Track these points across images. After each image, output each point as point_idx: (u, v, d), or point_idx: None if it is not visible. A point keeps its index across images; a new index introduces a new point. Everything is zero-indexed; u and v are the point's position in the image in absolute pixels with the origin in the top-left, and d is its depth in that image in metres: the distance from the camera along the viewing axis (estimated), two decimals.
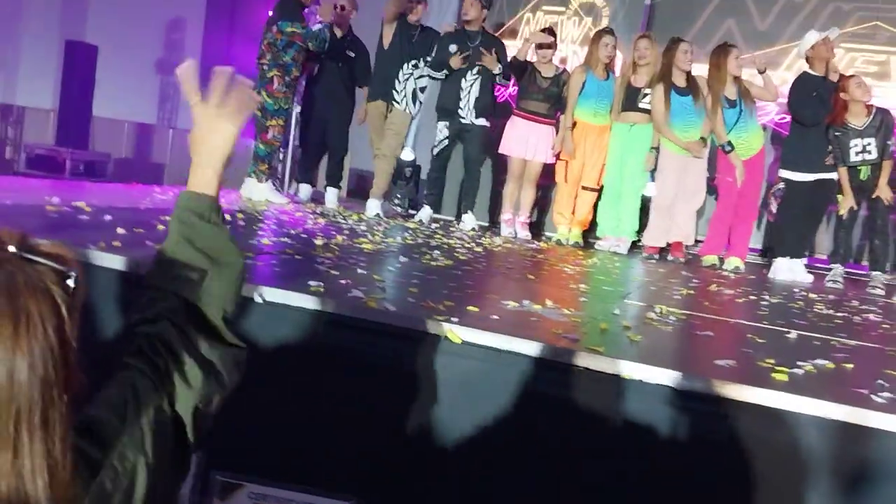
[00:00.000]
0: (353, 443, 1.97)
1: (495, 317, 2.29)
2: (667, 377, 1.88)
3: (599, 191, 5.79)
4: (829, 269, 5.37)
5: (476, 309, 2.36)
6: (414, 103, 6.03)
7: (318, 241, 3.57)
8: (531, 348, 1.99)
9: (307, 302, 2.17)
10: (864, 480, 1.76)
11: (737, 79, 5.46)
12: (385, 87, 5.94)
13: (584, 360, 1.96)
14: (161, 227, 3.22)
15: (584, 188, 5.80)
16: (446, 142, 5.93)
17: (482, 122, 5.89)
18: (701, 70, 5.74)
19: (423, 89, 6.09)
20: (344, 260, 3.07)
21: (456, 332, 2.05)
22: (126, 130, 9.98)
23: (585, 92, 5.66)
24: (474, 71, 5.81)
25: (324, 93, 6.24)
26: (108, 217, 3.26)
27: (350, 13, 6.21)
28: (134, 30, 10.42)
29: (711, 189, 5.86)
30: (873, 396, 1.91)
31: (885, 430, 1.74)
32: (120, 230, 2.91)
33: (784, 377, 1.98)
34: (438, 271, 3.22)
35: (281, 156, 8.19)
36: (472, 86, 5.82)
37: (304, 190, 6.40)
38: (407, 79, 5.94)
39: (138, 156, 9.97)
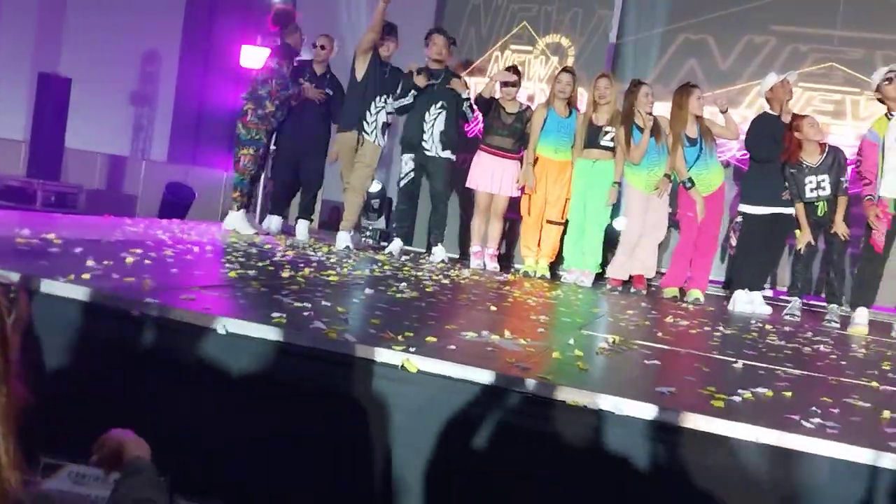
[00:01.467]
0: (313, 471, 2.04)
1: (452, 347, 2.39)
2: (606, 403, 1.98)
3: (564, 224, 5.94)
4: (789, 302, 5.55)
5: (434, 339, 2.46)
6: (383, 136, 6.15)
7: (285, 273, 3.66)
8: (483, 376, 2.09)
9: (268, 333, 2.25)
10: (793, 501, 1.87)
11: (698, 118, 5.67)
12: (356, 118, 6.06)
13: (532, 388, 2.06)
14: (130, 259, 3.29)
15: (548, 222, 5.95)
16: (412, 174, 6.06)
17: (447, 154, 6.02)
18: (664, 109, 5.95)
19: (388, 125, 6.22)
20: (309, 292, 3.16)
21: (413, 362, 2.14)
22: (98, 162, 10.00)
23: (546, 128, 5.84)
24: (438, 105, 5.96)
25: (299, 127, 6.35)
26: (78, 249, 3.32)
27: (329, 52, 6.38)
28: (108, 62, 10.49)
29: (674, 223, 6.04)
30: (803, 422, 2.02)
31: (812, 453, 1.85)
32: (89, 262, 2.98)
33: (720, 404, 2.09)
34: (402, 303, 3.32)
35: (260, 188, 8.30)
36: (435, 119, 5.96)
37: (275, 222, 6.49)
38: (378, 112, 6.07)
39: (110, 187, 9.98)
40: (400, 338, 2.38)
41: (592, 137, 5.79)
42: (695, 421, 1.92)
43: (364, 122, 6.05)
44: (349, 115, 6.12)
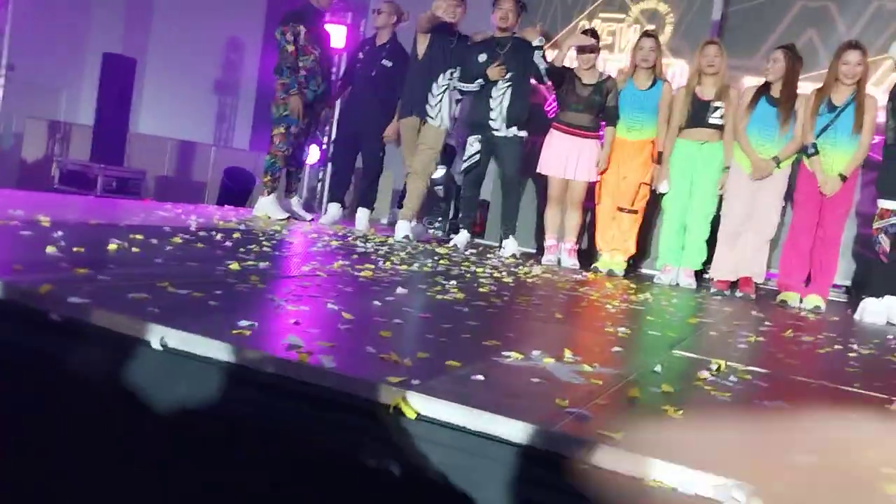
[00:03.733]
0: None
1: (479, 377, 1.67)
2: (710, 486, 1.22)
3: (635, 212, 5.11)
4: None
5: (457, 364, 1.74)
6: (450, 116, 5.45)
7: (305, 268, 3.01)
8: (513, 431, 1.36)
9: (216, 351, 1.59)
10: None
11: (858, 87, 4.64)
12: (417, 102, 5.40)
13: (593, 455, 1.32)
14: (113, 246, 2.71)
15: (619, 209, 5.12)
16: (477, 157, 5.32)
17: (515, 131, 5.26)
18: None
19: (458, 101, 5.52)
20: (322, 291, 2.49)
21: (410, 403, 1.44)
22: (169, 148, 9.73)
23: (620, 103, 5.01)
24: (505, 78, 5.22)
25: (354, 106, 5.79)
26: (58, 233, 2.76)
27: (388, 18, 5.72)
28: (188, 47, 10.26)
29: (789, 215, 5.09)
30: None
31: None
32: (50, 249, 2.41)
33: None
34: (439, 307, 2.61)
35: (320, 174, 7.79)
36: (503, 94, 5.22)
37: (331, 209, 5.90)
38: (443, 90, 5.38)
39: (179, 174, 9.69)
40: (406, 361, 1.68)
41: (699, 114, 4.92)
42: None
43: (427, 106, 5.37)
44: (408, 101, 5.45)
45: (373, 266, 3.37)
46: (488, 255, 5.06)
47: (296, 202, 6.03)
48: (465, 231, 5.50)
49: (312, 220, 5.88)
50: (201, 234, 3.58)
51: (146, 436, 1.60)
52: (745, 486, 1.20)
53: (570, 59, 5.29)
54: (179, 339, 1.63)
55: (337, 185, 6.08)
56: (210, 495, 1.53)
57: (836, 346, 3.13)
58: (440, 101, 5.38)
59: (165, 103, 10.30)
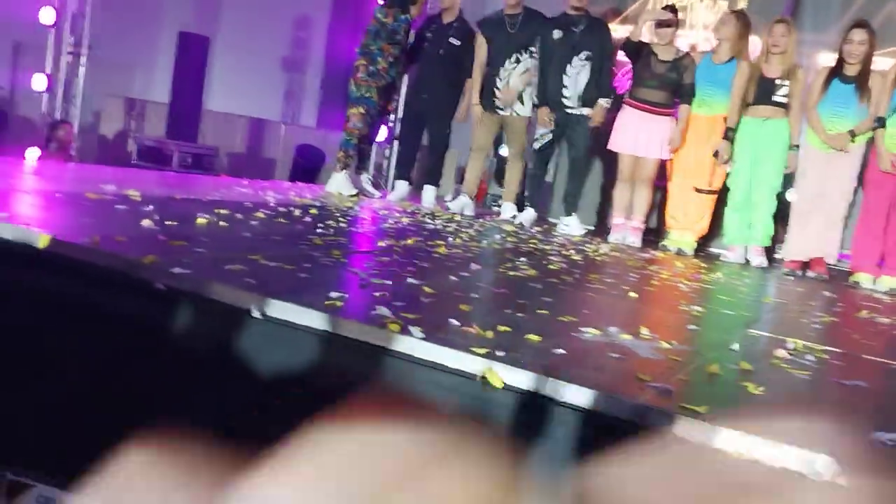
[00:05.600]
0: None
1: (561, 350, 1.73)
2: (798, 460, 1.26)
3: (715, 193, 5.05)
4: None
5: (539, 338, 1.80)
6: (524, 101, 5.48)
7: (381, 243, 3.10)
8: (593, 401, 1.41)
9: (312, 320, 1.68)
10: None
11: None
12: (487, 98, 5.47)
13: (676, 426, 1.37)
14: (202, 220, 2.84)
15: (695, 190, 5.06)
16: (550, 135, 5.33)
17: (587, 111, 5.24)
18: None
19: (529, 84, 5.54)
20: (400, 266, 2.58)
21: (497, 373, 1.51)
22: (240, 125, 9.95)
23: (697, 77, 4.95)
24: (581, 56, 5.19)
25: (422, 84, 5.85)
26: (149, 207, 2.90)
27: None
28: (257, 25, 10.44)
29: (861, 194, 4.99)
30: None
31: None
32: (146, 221, 2.55)
33: None
34: (513, 283, 2.67)
35: (386, 152, 7.89)
36: (578, 73, 5.20)
37: (399, 187, 5.99)
38: (507, 78, 5.41)
39: (251, 151, 9.91)
40: (489, 334, 1.75)
41: (764, 92, 4.84)
42: None
43: (494, 99, 5.41)
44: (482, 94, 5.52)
45: (443, 242, 3.44)
46: (554, 234, 5.09)
47: (365, 179, 6.14)
48: (531, 209, 5.53)
49: (381, 196, 5.99)
50: (281, 209, 3.70)
51: (245, 400, 1.70)
52: (830, 459, 1.24)
53: (647, 33, 5.24)
54: (278, 309, 1.72)
55: (404, 162, 6.16)
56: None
57: None
58: (506, 86, 5.43)
59: (235, 81, 10.51)
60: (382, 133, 7.50)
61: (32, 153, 6.63)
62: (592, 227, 5.91)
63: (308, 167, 8.26)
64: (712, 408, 1.44)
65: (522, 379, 1.50)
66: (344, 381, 1.63)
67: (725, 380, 1.72)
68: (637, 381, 1.57)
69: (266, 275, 2.06)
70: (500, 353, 1.58)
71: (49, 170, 4.68)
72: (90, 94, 9.19)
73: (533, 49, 5.40)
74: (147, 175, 5.41)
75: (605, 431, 1.39)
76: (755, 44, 5.36)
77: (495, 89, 5.46)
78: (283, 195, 4.65)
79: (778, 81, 4.83)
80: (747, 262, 4.98)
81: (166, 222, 2.64)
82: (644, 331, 2.06)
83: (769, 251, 5.15)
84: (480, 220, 5.18)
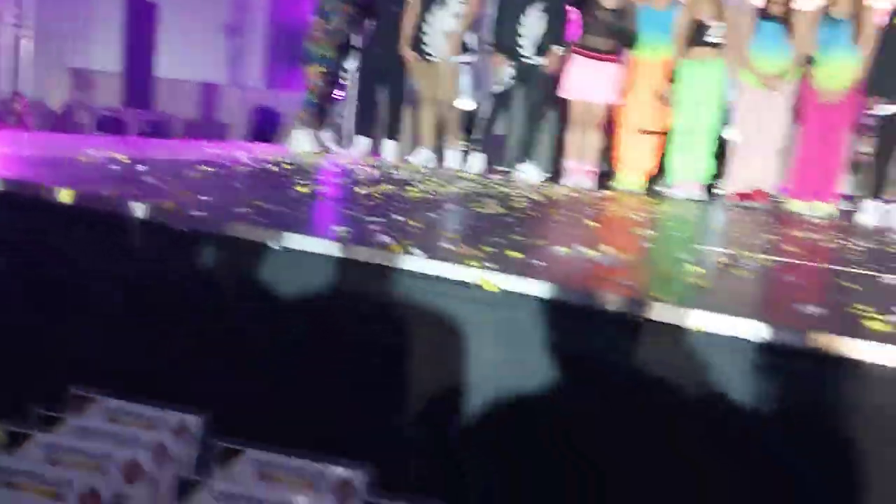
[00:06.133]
0: (372, 403, 1.75)
1: (540, 262, 2.02)
2: (736, 328, 1.58)
3: (662, 134, 5.37)
4: None
5: (520, 255, 2.10)
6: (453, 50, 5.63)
7: (361, 190, 3.35)
8: (573, 295, 1.72)
9: (326, 248, 1.95)
10: None
11: (857, 1, 4.86)
12: (413, 42, 5.64)
13: (635, 308, 1.68)
14: (196, 174, 3.06)
15: (643, 132, 5.38)
16: (512, 81, 5.55)
17: (542, 60, 5.42)
18: None
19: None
20: (383, 207, 2.84)
21: (491, 280, 1.80)
22: (192, 90, 9.96)
23: (639, 25, 5.23)
24: (540, 7, 5.34)
25: (378, 41, 6.01)
26: (141, 167, 3.10)
27: None
28: None
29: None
30: None
31: None
32: (147, 178, 2.76)
33: (882, 326, 1.66)
34: (486, 218, 2.96)
35: (342, 108, 8.04)
36: (534, 23, 5.37)
37: (360, 142, 6.20)
38: (433, 26, 5.58)
39: (204, 115, 9.95)
40: (479, 253, 2.04)
41: (697, 35, 5.14)
42: (855, 347, 1.50)
43: (422, 45, 5.59)
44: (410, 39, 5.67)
45: (415, 188, 3.71)
46: (511, 180, 5.36)
47: (327, 136, 6.32)
48: (483, 154, 5.74)
49: (346, 152, 6.19)
50: (257, 165, 3.91)
51: (271, 322, 1.97)
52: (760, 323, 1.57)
53: None
54: (295, 241, 1.98)
55: (364, 118, 6.35)
56: (322, 361, 1.90)
57: (840, 241, 3.48)
58: (430, 34, 5.60)
59: (181, 46, 10.45)
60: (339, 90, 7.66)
61: None
62: (549, 174, 6.19)
63: (265, 128, 8.39)
64: (670, 296, 1.76)
65: (512, 283, 1.79)
66: (358, 299, 1.91)
67: (677, 278, 2.05)
68: (607, 281, 1.88)
69: (271, 216, 2.31)
70: (489, 265, 1.87)
71: (19, 140, 4.78)
72: (36, 65, 9.11)
73: None
74: (119, 142, 5.52)
75: (591, 321, 1.70)
76: None
77: (421, 34, 5.59)
78: (253, 154, 4.84)
79: (710, 23, 5.13)
80: (692, 197, 5.32)
81: (165, 178, 2.85)
82: (606, 247, 2.37)
83: (712, 186, 5.52)
84: (443, 170, 5.43)
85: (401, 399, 1.74)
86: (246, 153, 4.78)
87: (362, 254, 1.93)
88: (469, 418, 1.70)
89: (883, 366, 1.52)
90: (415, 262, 1.88)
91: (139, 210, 2.11)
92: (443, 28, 5.58)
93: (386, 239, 2.07)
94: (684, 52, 5.20)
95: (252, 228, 2.03)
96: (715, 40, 5.12)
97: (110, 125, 8.11)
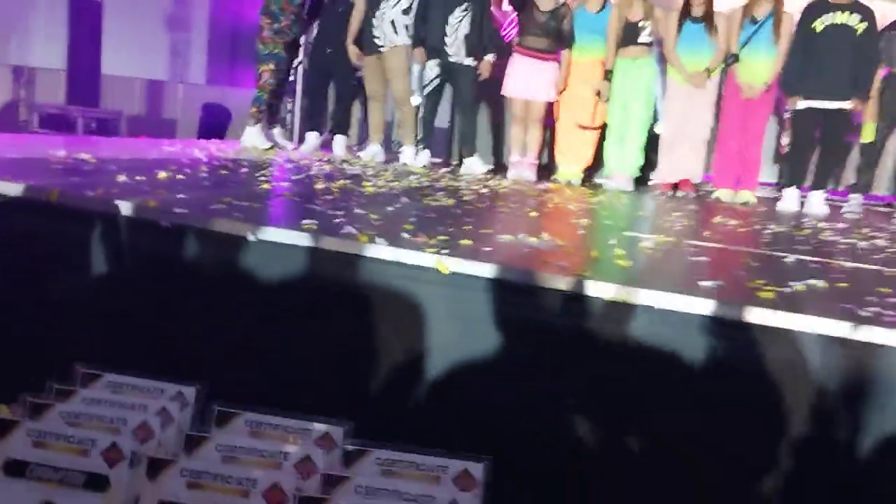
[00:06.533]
0: (346, 371, 2.02)
1: (487, 248, 2.32)
2: (648, 298, 1.90)
3: (598, 129, 5.73)
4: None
5: (469, 242, 2.39)
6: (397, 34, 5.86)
7: (319, 185, 3.60)
8: (515, 275, 2.02)
9: (299, 239, 2.20)
10: (857, 391, 1.79)
11: (777, 4, 5.28)
12: (367, 38, 5.87)
13: (570, 286, 1.99)
14: (163, 174, 3.26)
15: (580, 127, 5.73)
16: (437, 80, 5.83)
17: (470, 61, 5.72)
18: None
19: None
20: (343, 202, 3.10)
21: (444, 263, 2.08)
22: (137, 87, 9.98)
23: (576, 26, 5.57)
24: (462, 7, 5.64)
25: (325, 40, 6.23)
26: (112, 167, 3.30)
27: None
28: None
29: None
30: (860, 311, 1.92)
31: (867, 342, 1.76)
32: (121, 177, 2.96)
33: (770, 295, 2.00)
34: (438, 210, 3.24)
35: (289, 105, 8.22)
36: (459, 22, 5.67)
37: (309, 139, 6.42)
38: (384, 14, 5.82)
39: (150, 112, 9.99)
40: (432, 241, 2.32)
41: (629, 35, 5.50)
42: (741, 312, 1.83)
43: (373, 39, 5.82)
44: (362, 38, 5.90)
45: (369, 184, 3.97)
46: (458, 174, 5.66)
47: (278, 133, 6.52)
48: (426, 150, 6.01)
49: (294, 148, 6.40)
50: (216, 163, 4.12)
51: (250, 306, 2.22)
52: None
53: None
54: (269, 233, 2.23)
55: (313, 115, 6.57)
56: (299, 348, 2.16)
57: (756, 227, 3.87)
58: (381, 24, 5.84)
59: (122, 43, 10.45)
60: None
61: None
62: (492, 166, 6.51)
63: (215, 125, 8.52)
64: (597, 275, 2.07)
65: (463, 266, 2.08)
66: (328, 284, 2.18)
67: (604, 260, 2.37)
68: (544, 263, 2.18)
69: (244, 211, 2.55)
70: (444, 251, 2.16)
71: None
72: None
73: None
74: (70, 141, 5.63)
75: (525, 295, 2.00)
76: None
77: (372, 28, 5.82)
78: (207, 151, 5.02)
79: (641, 24, 5.50)
80: (624, 188, 5.69)
81: (136, 178, 3.05)
82: (545, 235, 2.68)
83: (644, 178, 5.91)
84: (393, 165, 5.69)
85: (371, 366, 2.02)
86: (201, 151, 4.96)
87: (332, 243, 2.19)
88: (428, 380, 1.98)
89: (774, 328, 1.85)
90: (377, 250, 2.15)
91: (126, 208, 2.33)
92: (392, 19, 5.78)
93: (352, 230, 2.34)
94: (617, 52, 5.54)
95: (230, 222, 2.28)
96: (646, 40, 5.49)
97: (55, 123, 8.13)
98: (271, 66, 5.99)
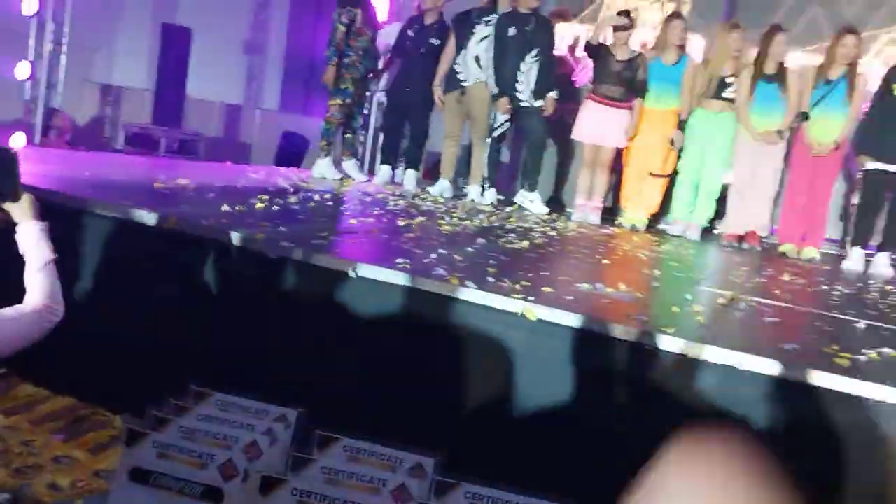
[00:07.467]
0: (438, 405, 2.16)
1: (569, 297, 2.44)
2: (730, 358, 2.00)
3: (668, 177, 5.82)
4: None
5: (551, 289, 2.52)
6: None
7: (401, 222, 3.77)
8: (602, 327, 2.13)
9: (396, 278, 2.36)
10: None
11: (851, 66, 5.35)
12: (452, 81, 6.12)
13: (655, 340, 2.10)
14: (260, 204, 3.47)
15: (651, 175, 5.83)
16: (507, 124, 6.01)
17: (540, 103, 5.89)
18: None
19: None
20: (425, 240, 3.26)
21: (532, 310, 2.21)
22: (216, 110, 10.41)
23: (650, 76, 5.69)
24: (533, 53, 5.82)
25: (405, 79, 6.46)
26: (210, 194, 3.52)
27: (440, 1, 6.36)
28: (223, 11, 10.82)
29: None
30: None
31: None
32: (224, 207, 3.17)
33: (846, 363, 2.08)
34: (514, 253, 3.38)
35: (362, 138, 8.50)
36: (530, 69, 5.85)
37: (383, 171, 6.63)
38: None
39: (227, 135, 10.40)
40: (517, 286, 2.45)
41: (717, 88, 5.60)
42: (821, 379, 1.91)
43: (456, 75, 6.05)
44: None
45: (444, 221, 4.14)
46: (525, 212, 5.79)
47: (351, 165, 6.75)
48: (493, 189, 6.18)
49: (367, 180, 6.62)
50: (301, 195, 4.34)
51: (349, 339, 2.38)
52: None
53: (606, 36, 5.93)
54: (368, 270, 2.40)
55: (388, 150, 6.81)
56: (390, 373, 2.31)
57: (824, 287, 3.91)
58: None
59: (205, 67, 10.91)
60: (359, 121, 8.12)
61: (18, 139, 7.02)
62: (552, 207, 6.63)
63: (293, 152, 8.84)
64: (678, 331, 2.18)
65: (549, 314, 2.21)
66: (420, 321, 2.32)
67: (683, 316, 2.47)
68: (625, 316, 2.30)
69: (340, 245, 2.73)
70: (530, 298, 2.29)
71: (71, 159, 5.19)
72: (67, 79, 9.53)
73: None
74: (159, 162, 5.94)
75: (608, 345, 2.11)
76: (699, 41, 6.14)
77: (455, 65, 6.05)
78: (291, 180, 5.26)
79: (728, 80, 5.59)
80: (690, 237, 5.74)
81: (237, 208, 3.26)
82: (621, 285, 2.79)
83: (710, 227, 5.97)
84: (461, 202, 5.86)
85: (461, 403, 2.15)
86: (285, 179, 5.20)
87: (426, 284, 2.34)
88: (514, 418, 2.11)
89: (849, 394, 1.93)
90: (468, 293, 2.29)
91: (237, 238, 2.53)
92: (476, 55, 6.00)
93: (442, 272, 2.49)
94: (699, 102, 5.64)
95: (330, 257, 2.45)
96: (731, 95, 5.58)
97: (139, 141, 8.54)
98: (338, 101, 6.25)
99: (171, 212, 2.78)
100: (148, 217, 2.64)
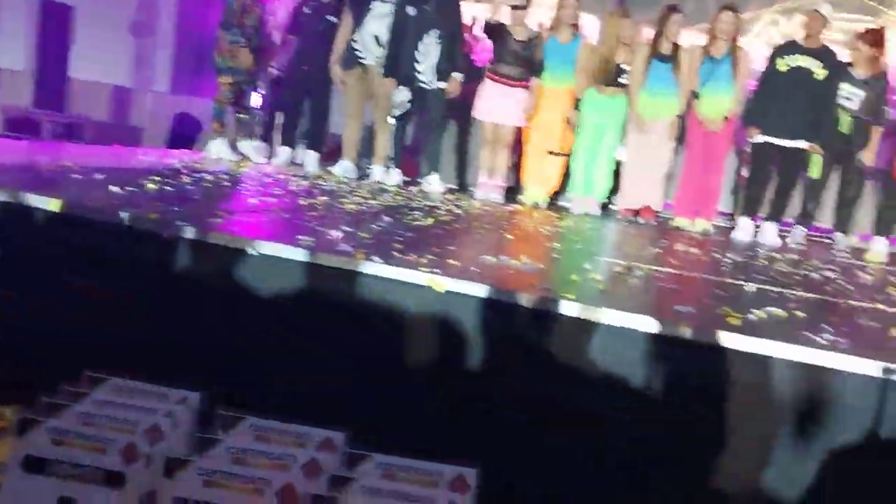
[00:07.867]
0: (343, 381, 2.14)
1: (475, 269, 2.46)
2: (627, 321, 2.07)
3: (567, 155, 5.95)
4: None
5: (458, 262, 2.53)
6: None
7: (302, 201, 3.71)
8: (507, 296, 2.16)
9: (299, 255, 2.32)
10: (811, 411, 1.97)
11: (733, 43, 5.56)
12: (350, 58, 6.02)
13: (558, 307, 2.14)
14: (151, 185, 3.34)
15: (549, 153, 5.93)
16: (408, 105, 5.97)
17: (441, 84, 5.86)
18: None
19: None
20: (329, 218, 3.22)
21: (439, 281, 2.22)
22: (104, 93, 9.93)
23: (545, 56, 5.77)
24: (433, 34, 5.77)
25: (302, 57, 6.32)
26: (99, 176, 3.36)
27: None
28: None
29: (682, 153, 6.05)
30: (817, 338, 2.11)
31: (824, 366, 1.95)
32: (113, 188, 3.03)
33: (737, 322, 2.18)
34: (419, 229, 3.38)
35: (258, 119, 8.28)
36: (429, 49, 5.82)
37: (283, 153, 6.49)
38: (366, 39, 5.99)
39: (116, 118, 9.94)
40: (423, 260, 2.45)
41: (610, 76, 5.73)
42: (715, 336, 2.00)
43: (354, 52, 5.95)
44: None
45: (347, 200, 4.09)
46: (424, 192, 5.77)
47: (248, 145, 6.56)
48: (398, 169, 6.15)
49: (266, 162, 6.46)
50: (195, 175, 4.20)
51: (249, 313, 2.32)
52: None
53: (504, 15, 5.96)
54: (269, 248, 2.34)
55: (287, 130, 6.66)
56: (294, 350, 2.27)
57: (715, 255, 4.09)
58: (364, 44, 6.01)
59: (92, 48, 10.39)
60: (256, 100, 7.91)
61: None
62: (455, 186, 6.66)
63: (186, 135, 8.54)
64: (580, 298, 2.23)
65: (456, 285, 2.22)
66: (325, 298, 2.29)
67: (582, 283, 2.53)
68: (528, 285, 2.33)
69: (241, 224, 2.65)
70: (437, 271, 2.29)
71: None
72: None
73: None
74: (41, 147, 5.63)
75: (513, 313, 2.14)
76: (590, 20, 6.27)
77: (353, 43, 5.95)
78: (184, 162, 5.08)
79: (624, 66, 5.73)
80: (589, 212, 5.89)
81: (126, 188, 3.13)
82: (524, 258, 2.84)
83: (606, 203, 6.14)
84: (365, 182, 5.80)
85: (370, 377, 2.14)
86: (179, 161, 5.02)
87: (330, 260, 2.31)
88: (423, 387, 2.11)
89: (739, 351, 2.03)
90: (374, 268, 2.28)
91: (127, 218, 2.42)
92: (375, 34, 5.92)
93: (347, 247, 2.46)
94: (589, 83, 5.75)
95: (230, 236, 2.38)
96: (624, 81, 5.72)
97: (20, 126, 8.06)
98: (228, 80, 6.10)
99: (56, 194, 2.63)
100: (33, 200, 2.49)
